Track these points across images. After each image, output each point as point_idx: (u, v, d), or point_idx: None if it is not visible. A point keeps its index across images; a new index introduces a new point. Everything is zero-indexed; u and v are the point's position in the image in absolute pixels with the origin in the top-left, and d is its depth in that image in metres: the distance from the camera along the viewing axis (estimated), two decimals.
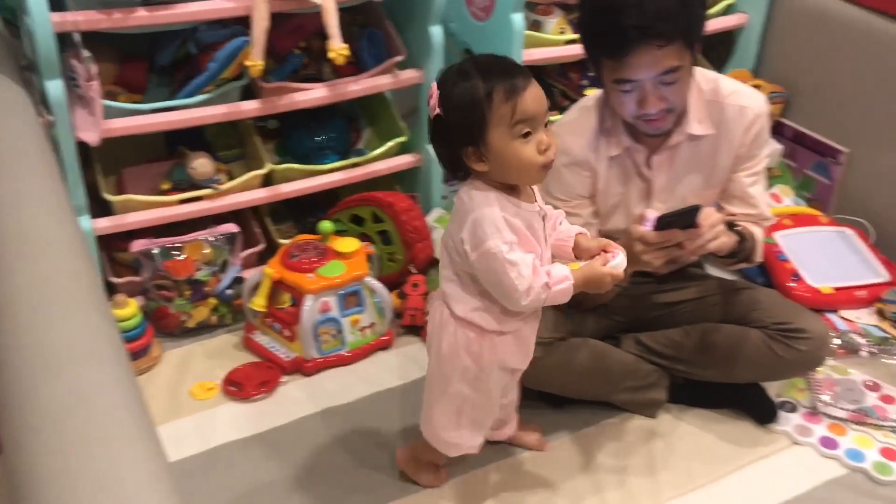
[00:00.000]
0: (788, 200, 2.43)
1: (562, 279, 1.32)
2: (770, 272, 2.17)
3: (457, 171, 1.34)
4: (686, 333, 1.77)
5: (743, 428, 1.77)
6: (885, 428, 1.76)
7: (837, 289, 2.13)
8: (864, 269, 2.21)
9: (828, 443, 1.72)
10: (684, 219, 1.42)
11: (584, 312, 1.75)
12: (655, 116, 1.51)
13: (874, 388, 1.86)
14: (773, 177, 2.46)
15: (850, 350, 1.98)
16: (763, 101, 1.65)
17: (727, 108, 1.61)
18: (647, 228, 1.45)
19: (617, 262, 1.34)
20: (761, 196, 1.70)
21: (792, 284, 2.11)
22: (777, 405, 1.79)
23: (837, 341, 1.98)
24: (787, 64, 2.53)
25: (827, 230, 2.30)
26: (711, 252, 1.52)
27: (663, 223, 1.43)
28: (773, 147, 2.45)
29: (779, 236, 2.23)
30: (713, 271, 1.95)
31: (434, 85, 1.30)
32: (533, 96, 1.27)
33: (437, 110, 1.28)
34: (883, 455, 1.69)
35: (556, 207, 1.68)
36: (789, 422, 1.77)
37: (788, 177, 2.50)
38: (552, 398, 1.80)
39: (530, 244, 1.34)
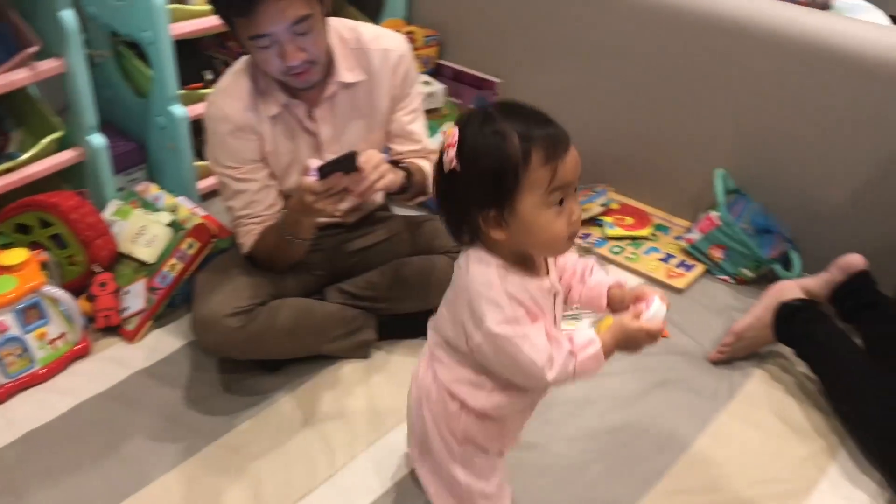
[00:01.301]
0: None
1: (586, 344, 1.13)
2: None
3: (462, 235, 1.15)
4: (382, 273, 1.86)
5: None
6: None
7: None
8: None
9: None
10: (344, 164, 1.48)
11: (281, 274, 1.77)
12: (300, 69, 1.54)
13: None
14: (443, 115, 2.62)
15: None
16: (403, 41, 1.74)
17: (372, 53, 1.69)
18: (312, 179, 1.49)
19: (651, 313, 1.15)
20: (422, 131, 1.81)
21: None
22: None
23: None
24: (436, 8, 2.70)
25: None
26: (382, 190, 1.60)
27: (325, 171, 1.48)
28: (437, 87, 2.62)
29: None
30: (399, 211, 2.05)
31: (453, 131, 1.09)
32: (574, 161, 1.10)
33: (454, 163, 1.07)
34: None
35: (229, 176, 1.68)
36: None
37: (456, 113, 2.68)
38: (268, 364, 1.81)
39: (537, 317, 1.14)
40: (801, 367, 1.81)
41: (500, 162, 1.06)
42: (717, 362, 1.86)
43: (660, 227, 2.31)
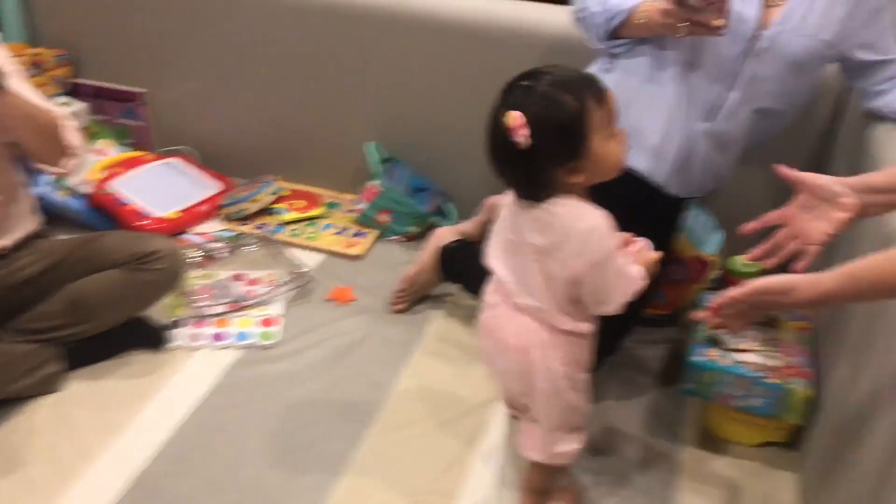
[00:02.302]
0: (114, 151, 2.54)
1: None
2: (119, 221, 2.27)
3: (537, 194, 1.27)
4: (57, 300, 1.78)
5: (149, 360, 1.88)
6: (257, 305, 2.05)
7: (183, 211, 2.34)
8: (199, 187, 2.46)
9: (219, 336, 1.94)
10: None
11: None
12: None
13: (239, 278, 2.14)
14: (91, 134, 2.53)
15: (213, 257, 2.22)
16: None
17: None
18: None
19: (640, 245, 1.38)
20: None
21: (144, 223, 2.26)
22: (165, 327, 1.94)
23: (199, 254, 2.20)
24: (64, 27, 2.59)
25: (156, 165, 2.49)
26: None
27: None
28: (78, 106, 2.52)
29: (115, 185, 2.34)
30: (62, 235, 1.97)
31: (519, 117, 1.19)
32: (611, 94, 1.27)
33: (529, 143, 1.20)
34: (264, 325, 1.98)
35: None
36: (181, 336, 1.94)
37: (105, 131, 2.60)
38: None
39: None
40: (469, 298, 2.05)
41: (569, 120, 1.21)
42: (400, 311, 2.05)
43: (331, 205, 2.46)
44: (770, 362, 1.66)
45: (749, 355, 1.69)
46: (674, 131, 1.69)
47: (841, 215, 1.32)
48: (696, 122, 1.68)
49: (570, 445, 1.46)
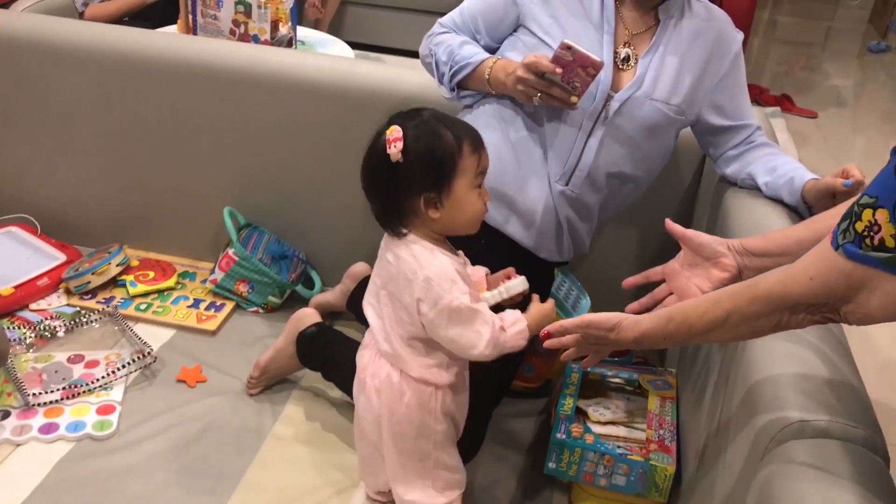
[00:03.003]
0: None
1: (515, 321, 1.35)
2: None
3: (395, 223, 1.33)
4: None
5: None
6: (96, 389, 1.86)
7: (18, 286, 2.14)
8: (39, 258, 2.26)
9: (48, 428, 1.75)
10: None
11: None
12: None
13: (77, 359, 1.95)
14: None
15: (49, 336, 2.03)
16: None
17: None
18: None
19: (511, 283, 1.45)
20: None
21: None
22: None
23: (31, 334, 2.01)
24: None
25: None
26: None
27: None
28: None
29: None
30: None
31: (397, 130, 1.27)
32: (487, 153, 1.34)
33: (399, 157, 1.26)
34: (99, 413, 1.80)
35: None
36: (5, 429, 1.74)
37: None
38: None
39: (475, 294, 1.34)
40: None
41: (442, 151, 1.28)
42: (253, 395, 1.90)
43: (185, 275, 2.31)
44: (634, 435, 1.61)
45: (616, 428, 1.64)
46: (539, 195, 1.65)
47: (720, 275, 1.36)
48: (556, 184, 1.64)
49: (425, 497, 1.45)
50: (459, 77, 1.66)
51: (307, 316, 1.88)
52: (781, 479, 0.92)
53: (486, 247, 1.56)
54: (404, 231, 1.34)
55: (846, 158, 3.95)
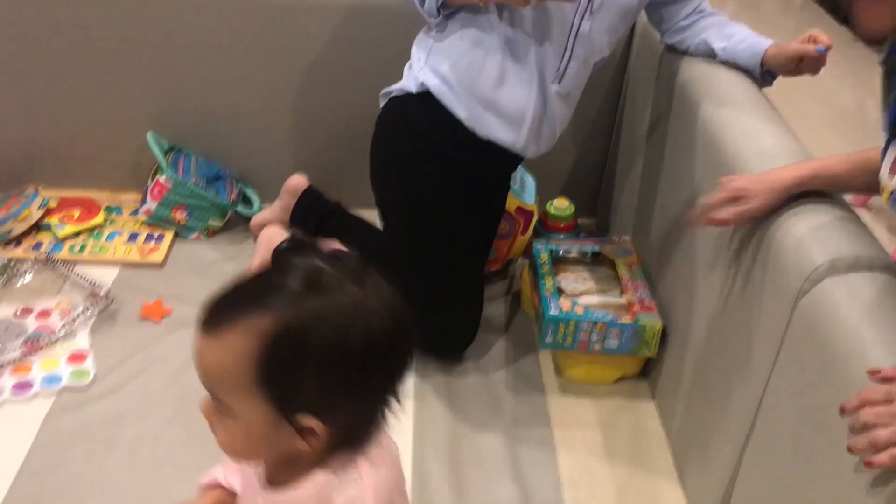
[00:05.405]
0: None
1: None
2: None
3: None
4: None
5: None
6: (62, 338, 1.77)
7: None
8: None
9: (22, 387, 1.66)
10: None
11: None
12: None
13: (25, 312, 1.84)
14: None
15: None
16: None
17: None
18: None
19: None
20: None
21: None
22: None
23: None
24: None
25: None
26: None
27: None
28: None
29: None
30: None
31: None
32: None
33: None
34: (71, 362, 1.72)
35: None
36: None
37: None
38: None
39: None
40: None
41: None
42: None
43: (111, 209, 2.18)
44: (616, 301, 1.72)
45: (591, 297, 1.75)
46: (530, 98, 1.64)
47: None
48: (549, 84, 1.65)
49: None
50: None
51: (275, 234, 1.85)
52: (830, 310, 1.05)
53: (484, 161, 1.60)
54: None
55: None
